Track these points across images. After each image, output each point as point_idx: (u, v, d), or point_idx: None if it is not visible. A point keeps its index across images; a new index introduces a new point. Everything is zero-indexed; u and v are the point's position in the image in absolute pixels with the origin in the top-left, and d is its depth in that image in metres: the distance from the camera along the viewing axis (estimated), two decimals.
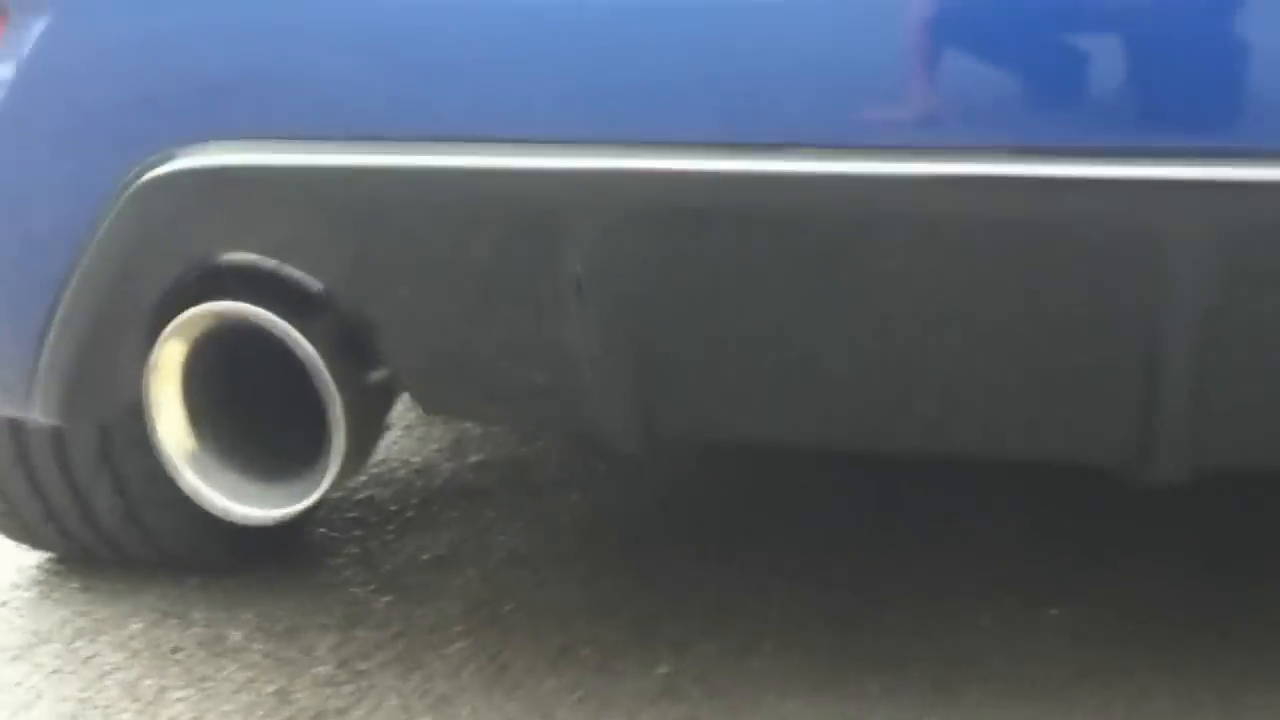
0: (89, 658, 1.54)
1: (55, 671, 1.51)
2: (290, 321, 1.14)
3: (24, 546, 1.71)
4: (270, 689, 1.47)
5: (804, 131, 1.00)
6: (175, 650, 1.56)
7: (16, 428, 1.48)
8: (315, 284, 1.16)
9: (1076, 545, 1.73)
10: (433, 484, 1.99)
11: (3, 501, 1.61)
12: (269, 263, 1.14)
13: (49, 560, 1.74)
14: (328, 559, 1.77)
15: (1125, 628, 1.51)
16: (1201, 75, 0.96)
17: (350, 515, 1.89)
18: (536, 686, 1.45)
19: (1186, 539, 1.75)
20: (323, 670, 1.51)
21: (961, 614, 1.55)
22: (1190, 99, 0.97)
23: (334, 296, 1.15)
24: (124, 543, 1.64)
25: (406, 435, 2.14)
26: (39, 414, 1.25)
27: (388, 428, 1.62)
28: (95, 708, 1.43)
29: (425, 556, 1.77)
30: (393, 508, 1.91)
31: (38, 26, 1.11)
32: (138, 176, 1.10)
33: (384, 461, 2.06)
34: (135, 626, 1.62)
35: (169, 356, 1.18)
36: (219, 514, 1.23)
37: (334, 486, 1.18)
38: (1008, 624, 1.53)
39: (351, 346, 1.18)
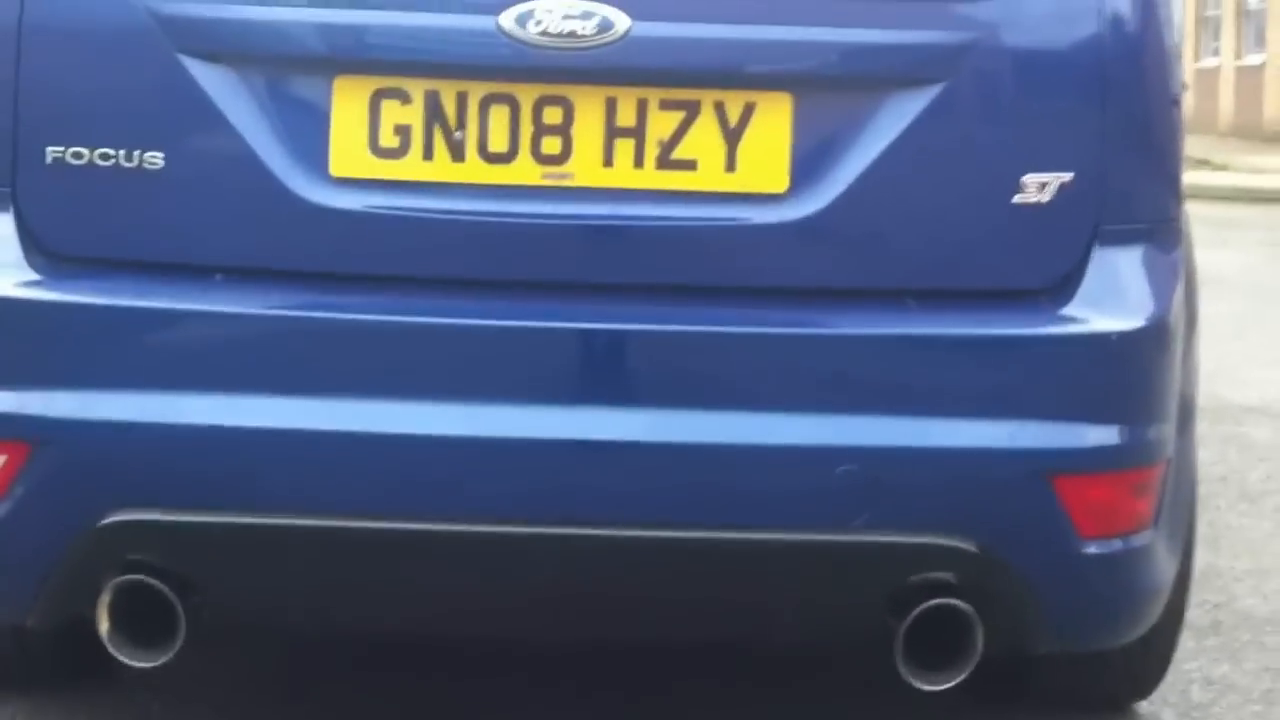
0: None
1: None
2: (158, 580, 2.05)
3: None
4: None
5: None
6: None
7: None
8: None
9: None
10: None
11: None
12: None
13: None
14: (122, 676, 2.88)
15: None
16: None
17: None
18: None
19: None
20: None
21: None
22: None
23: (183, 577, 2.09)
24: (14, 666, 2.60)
25: None
26: (29, 624, 2.26)
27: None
28: None
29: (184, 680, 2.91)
30: None
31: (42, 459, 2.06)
32: (85, 527, 2.04)
33: None
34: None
35: (104, 599, 2.07)
36: (122, 659, 2.13)
37: (177, 652, 2.10)
38: None
39: (191, 593, 2.08)
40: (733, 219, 2.08)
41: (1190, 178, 11.37)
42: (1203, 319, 6.66)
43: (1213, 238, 10.92)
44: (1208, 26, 25.68)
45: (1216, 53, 24.95)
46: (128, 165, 2.08)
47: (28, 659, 2.60)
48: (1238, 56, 23.95)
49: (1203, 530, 3.72)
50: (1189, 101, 25.69)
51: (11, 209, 2.11)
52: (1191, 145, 18.12)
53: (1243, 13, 24.16)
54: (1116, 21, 2.11)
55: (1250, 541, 3.82)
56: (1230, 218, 12.26)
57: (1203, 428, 4.77)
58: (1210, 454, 4.56)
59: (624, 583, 2.11)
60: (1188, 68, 25.76)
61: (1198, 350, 2.36)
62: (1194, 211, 9.89)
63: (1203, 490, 4.07)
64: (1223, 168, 17.12)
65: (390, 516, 2.04)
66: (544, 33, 2.02)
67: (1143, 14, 2.13)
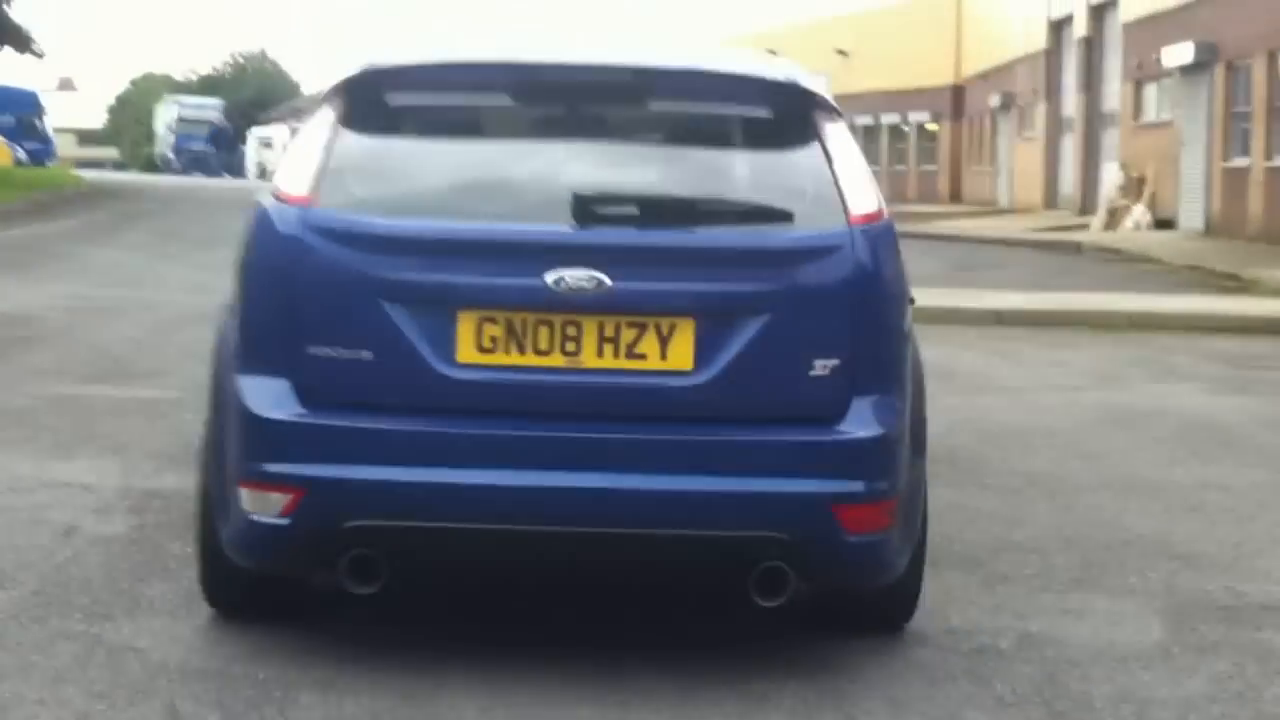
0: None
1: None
2: (371, 550, 4.03)
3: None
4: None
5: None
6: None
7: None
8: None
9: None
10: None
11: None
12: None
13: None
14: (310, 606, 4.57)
15: None
16: None
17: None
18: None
19: None
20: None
21: None
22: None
23: (383, 549, 4.06)
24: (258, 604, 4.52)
25: None
26: (303, 576, 4.44)
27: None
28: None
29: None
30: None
31: (309, 496, 3.98)
32: (333, 527, 3.97)
33: None
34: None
35: (343, 562, 4.02)
36: (353, 590, 4.07)
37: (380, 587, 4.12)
38: None
39: (387, 556, 4.04)
40: (663, 384, 4.02)
41: (1209, 306, 11.78)
42: (1217, 491, 6.99)
43: (1230, 380, 10.66)
44: (1236, 124, 25.25)
45: (1246, 152, 24.53)
46: (351, 356, 3.97)
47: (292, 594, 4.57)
48: (1268, 157, 23.51)
49: None
50: (1215, 205, 25.80)
51: (288, 379, 4.00)
52: (1218, 255, 18.56)
53: (1273, 110, 23.65)
54: (860, 273, 4.09)
55: None
56: (1253, 354, 11.75)
57: (1217, 633, 4.84)
58: (1223, 665, 4.52)
59: (602, 551, 4.06)
60: (1215, 168, 25.72)
61: (925, 440, 4.39)
62: (1212, 347, 10.37)
63: (1215, 710, 4.16)
64: (1251, 284, 16.71)
65: (492, 521, 3.95)
66: (567, 288, 3.96)
67: (880, 268, 4.11)
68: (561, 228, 4.03)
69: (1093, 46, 34.30)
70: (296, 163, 4.17)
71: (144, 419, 7.78)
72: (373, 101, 4.27)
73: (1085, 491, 6.84)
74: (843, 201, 4.15)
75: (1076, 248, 23.95)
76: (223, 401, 4.13)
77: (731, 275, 4.04)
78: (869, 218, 4.15)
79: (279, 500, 3.94)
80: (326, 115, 4.22)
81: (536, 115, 4.42)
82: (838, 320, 4.05)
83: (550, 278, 3.93)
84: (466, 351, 3.95)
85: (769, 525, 3.96)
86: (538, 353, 3.96)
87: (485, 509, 3.91)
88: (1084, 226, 29.90)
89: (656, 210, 4.16)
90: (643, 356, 3.97)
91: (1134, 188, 29.29)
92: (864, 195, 4.20)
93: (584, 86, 4.35)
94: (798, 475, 3.97)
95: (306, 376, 3.98)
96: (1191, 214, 26.68)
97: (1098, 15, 34.08)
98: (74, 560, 5.26)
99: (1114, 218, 29.19)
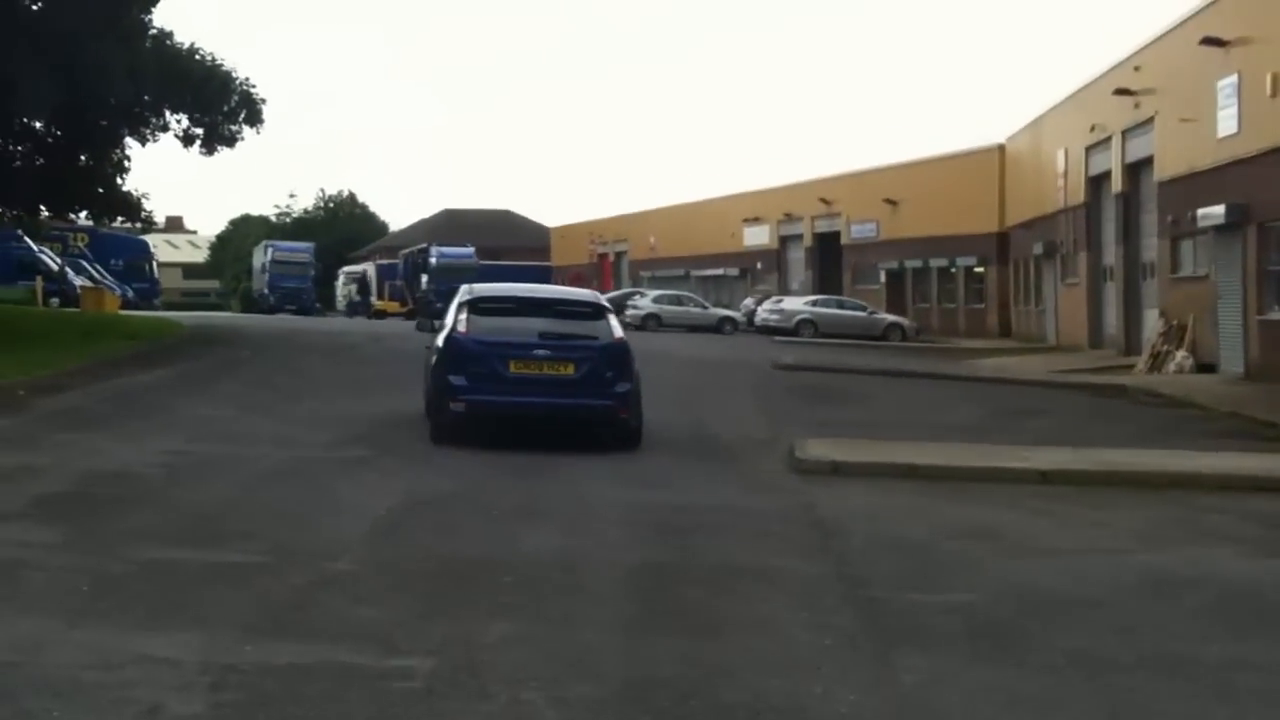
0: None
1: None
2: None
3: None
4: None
5: None
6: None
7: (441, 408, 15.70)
8: None
9: None
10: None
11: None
12: None
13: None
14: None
15: None
16: None
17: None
18: None
19: None
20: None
21: None
22: None
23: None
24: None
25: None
26: (465, 421, 15.68)
27: None
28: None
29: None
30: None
31: (469, 404, 15.56)
32: (475, 415, 15.69)
33: None
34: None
35: (479, 420, 15.99)
36: (483, 427, 15.85)
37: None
38: None
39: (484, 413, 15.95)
40: (566, 378, 15.30)
41: (1249, 465, 11.96)
42: (1248, 671, 7.21)
43: (1267, 542, 10.79)
44: (1270, 280, 25.66)
45: None
46: (483, 370, 15.20)
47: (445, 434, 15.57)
48: None
49: None
50: (1254, 352, 26.09)
51: (464, 376, 15.23)
52: (1258, 402, 18.72)
53: None
54: (616, 352, 15.71)
55: None
56: None
57: None
58: None
59: (553, 417, 15.60)
60: (1251, 320, 26.03)
61: (640, 391, 15.89)
62: (1251, 507, 13.10)
63: None
64: None
65: (517, 409, 15.43)
66: (540, 354, 15.34)
67: (621, 352, 15.82)
68: (537, 339, 15.22)
69: (1130, 201, 34.88)
70: (461, 323, 15.40)
71: (230, 586, 8.19)
72: (477, 304, 15.74)
73: (1122, 671, 7.07)
74: (612, 333, 15.62)
75: (1122, 390, 24.26)
76: (437, 380, 15.39)
77: (583, 351, 15.33)
78: (619, 340, 15.62)
79: (461, 405, 15.00)
80: (464, 308, 15.62)
81: (528, 309, 15.95)
82: (612, 363, 15.36)
83: (535, 352, 15.15)
84: (514, 369, 14.98)
85: (598, 414, 15.30)
86: (531, 370, 15.04)
87: (518, 407, 15.13)
88: (1129, 366, 30.32)
89: (564, 336, 15.42)
90: (558, 370, 15.13)
91: (1175, 334, 29.67)
92: (618, 333, 15.73)
93: (543, 302, 16.33)
94: (606, 399, 15.18)
95: (469, 375, 15.04)
96: (1232, 359, 26.97)
97: (1134, 173, 34.72)
98: None
99: (1157, 361, 29.54)
